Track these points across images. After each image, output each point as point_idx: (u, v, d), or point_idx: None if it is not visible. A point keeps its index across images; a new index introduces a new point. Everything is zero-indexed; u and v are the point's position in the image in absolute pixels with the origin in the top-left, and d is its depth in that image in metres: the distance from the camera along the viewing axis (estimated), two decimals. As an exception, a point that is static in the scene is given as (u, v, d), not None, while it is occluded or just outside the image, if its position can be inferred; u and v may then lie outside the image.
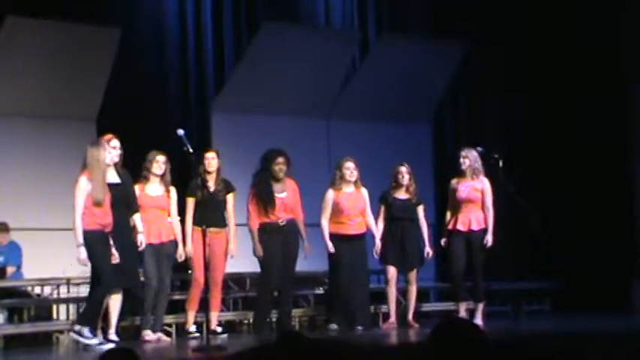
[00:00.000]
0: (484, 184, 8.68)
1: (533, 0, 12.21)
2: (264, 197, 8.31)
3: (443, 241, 8.79)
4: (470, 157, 8.68)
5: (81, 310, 7.73)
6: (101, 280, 7.21)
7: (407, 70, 11.64)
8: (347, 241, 8.55)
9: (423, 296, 10.73)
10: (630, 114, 11.75)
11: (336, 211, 8.58)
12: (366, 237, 8.72)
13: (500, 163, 8.55)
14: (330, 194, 8.63)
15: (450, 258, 8.77)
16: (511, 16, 12.21)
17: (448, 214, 8.81)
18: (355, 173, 8.66)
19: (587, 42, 11.85)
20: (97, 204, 7.18)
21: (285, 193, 8.39)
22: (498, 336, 7.05)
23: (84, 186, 7.16)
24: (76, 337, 7.26)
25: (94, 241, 7.14)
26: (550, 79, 12.21)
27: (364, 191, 8.73)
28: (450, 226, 8.72)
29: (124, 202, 7.56)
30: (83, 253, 7.12)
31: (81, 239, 7.12)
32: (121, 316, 7.75)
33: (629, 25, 11.70)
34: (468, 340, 3.30)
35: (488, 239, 8.60)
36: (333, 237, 8.58)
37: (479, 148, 8.73)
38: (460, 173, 8.74)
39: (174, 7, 11.72)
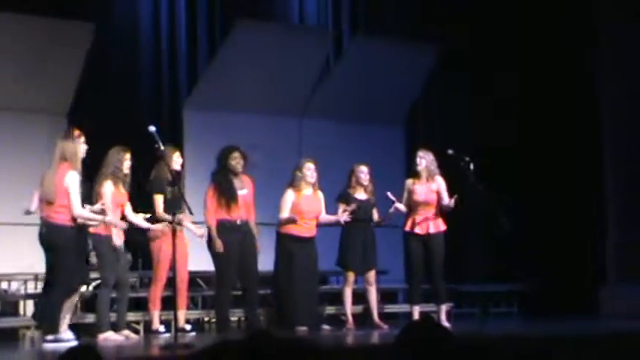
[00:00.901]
0: (439, 184, 8.71)
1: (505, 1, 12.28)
2: (226, 194, 8.29)
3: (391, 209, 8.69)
4: (426, 159, 8.70)
5: (42, 316, 7.53)
6: (60, 281, 7.10)
7: (381, 70, 11.66)
8: (300, 242, 8.53)
9: (391, 297, 10.76)
10: (603, 116, 11.84)
11: (294, 212, 8.54)
12: (315, 239, 8.72)
13: (472, 166, 8.56)
14: (290, 195, 8.59)
15: (408, 261, 8.77)
16: (486, 17, 12.27)
17: (404, 212, 8.72)
18: (315, 175, 8.63)
19: (561, 42, 11.93)
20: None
21: (245, 190, 8.38)
22: (465, 338, 7.07)
23: (77, 180, 7.12)
24: (55, 345, 7.08)
25: (68, 239, 7.07)
26: (522, 80, 12.28)
27: (320, 194, 8.74)
28: (407, 228, 8.68)
29: (86, 198, 7.51)
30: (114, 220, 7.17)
31: (101, 217, 7.05)
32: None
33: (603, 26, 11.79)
34: (434, 341, 3.31)
35: (450, 202, 8.50)
36: (287, 237, 8.55)
37: (450, 151, 8.74)
38: (415, 174, 8.74)
39: (148, 3, 11.67)
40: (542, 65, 12.10)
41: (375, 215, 8.90)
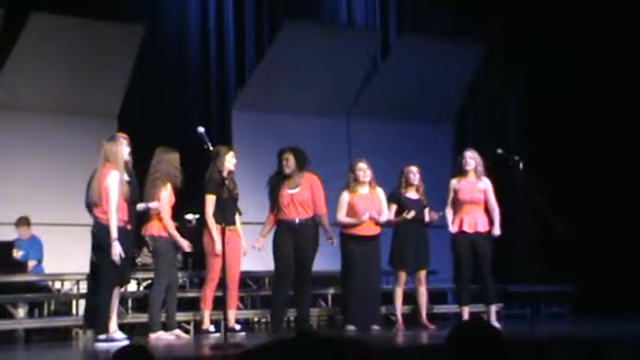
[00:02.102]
0: (486, 184, 8.64)
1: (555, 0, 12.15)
2: (272, 194, 8.32)
3: (427, 216, 8.66)
4: (475, 159, 8.63)
5: (91, 316, 7.60)
6: (107, 279, 7.15)
7: (428, 70, 11.62)
8: (361, 242, 8.50)
9: (440, 298, 10.70)
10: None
11: (351, 212, 8.52)
12: (380, 237, 8.66)
13: (521, 165, 8.47)
14: (345, 196, 8.58)
15: (457, 261, 8.69)
16: (533, 17, 12.16)
17: (449, 214, 8.68)
18: (369, 173, 8.59)
19: (611, 42, 11.78)
20: (125, 199, 7.20)
21: (298, 188, 8.32)
22: (516, 338, 7.01)
23: (119, 180, 7.14)
24: (107, 344, 7.15)
25: (118, 239, 7.14)
26: (574, 79, 12.14)
27: (380, 191, 8.66)
28: (455, 229, 8.61)
29: (133, 199, 7.55)
30: (118, 247, 7.09)
31: (116, 234, 7.08)
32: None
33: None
34: (485, 342, 3.28)
35: (497, 230, 8.50)
36: (348, 237, 8.54)
37: (499, 150, 8.66)
38: (462, 173, 8.66)
39: (196, 5, 11.78)
40: (593, 62, 11.95)
41: (427, 216, 8.85)
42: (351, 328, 8.41)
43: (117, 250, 7.08)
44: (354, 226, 8.50)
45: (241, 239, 8.25)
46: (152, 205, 7.66)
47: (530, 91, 12.44)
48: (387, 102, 11.66)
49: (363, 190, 8.59)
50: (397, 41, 12.38)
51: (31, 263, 9.45)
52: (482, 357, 3.25)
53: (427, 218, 8.82)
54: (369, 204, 8.53)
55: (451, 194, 8.66)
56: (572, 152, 12.07)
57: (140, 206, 7.59)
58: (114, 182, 7.11)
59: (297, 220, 8.26)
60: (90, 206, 7.38)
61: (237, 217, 8.17)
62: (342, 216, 8.54)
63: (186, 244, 7.84)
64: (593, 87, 11.91)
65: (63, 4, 10.12)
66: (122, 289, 7.87)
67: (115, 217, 7.07)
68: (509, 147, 9.04)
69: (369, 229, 8.53)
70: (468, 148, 8.92)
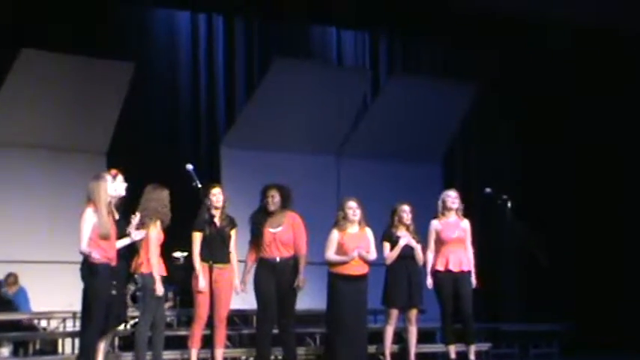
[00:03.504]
0: (467, 225, 8.69)
1: (546, 48, 12.25)
2: (255, 232, 8.29)
3: (429, 282, 8.69)
4: (459, 199, 8.71)
5: (79, 354, 7.55)
6: (92, 319, 7.10)
7: (418, 109, 11.66)
8: (350, 281, 8.44)
9: (429, 337, 10.65)
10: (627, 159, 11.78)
11: (340, 251, 8.48)
12: (367, 277, 8.62)
13: (509, 204, 8.50)
14: (335, 234, 8.55)
15: (440, 300, 8.68)
16: (524, 61, 12.26)
17: (431, 255, 8.70)
18: (358, 212, 8.55)
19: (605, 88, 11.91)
20: (104, 237, 7.15)
21: (281, 227, 8.29)
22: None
23: (89, 217, 7.12)
24: None
25: (103, 277, 7.07)
26: (568, 123, 12.22)
27: (368, 231, 8.62)
28: (440, 267, 8.60)
29: (122, 237, 7.51)
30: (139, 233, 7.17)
31: (90, 263, 7.05)
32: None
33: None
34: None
35: (474, 282, 8.54)
36: (336, 276, 8.49)
37: (487, 190, 8.69)
38: (443, 212, 8.68)
39: (186, 43, 11.82)
40: (589, 108, 12.05)
41: (419, 255, 8.84)
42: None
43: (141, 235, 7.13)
44: (343, 264, 8.46)
45: (234, 277, 8.19)
46: (136, 234, 7.57)
47: (521, 131, 12.50)
48: (376, 141, 11.68)
49: (353, 229, 8.56)
50: (387, 80, 12.43)
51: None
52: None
53: (420, 258, 8.79)
54: (358, 243, 8.51)
55: (433, 235, 8.66)
56: (564, 192, 12.12)
57: (122, 242, 7.49)
58: (83, 219, 7.10)
59: (277, 259, 8.23)
60: None
61: (232, 255, 8.13)
62: (330, 254, 8.51)
63: (159, 289, 7.72)
64: (589, 133, 12.00)
65: (53, 41, 10.15)
66: (118, 328, 7.80)
67: (87, 249, 7.02)
68: (499, 187, 9.05)
69: (357, 268, 8.49)
70: (450, 189, 8.95)
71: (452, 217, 8.66)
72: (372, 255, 8.56)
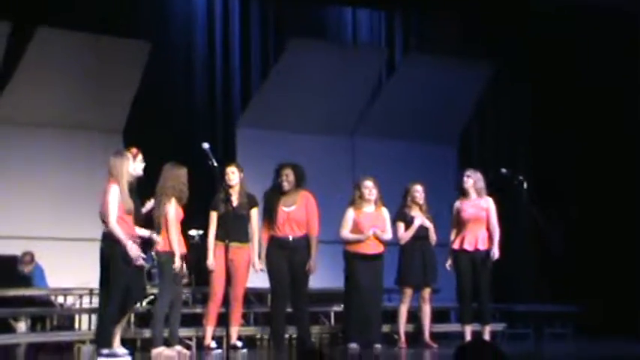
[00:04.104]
0: (489, 203, 8.66)
1: (562, 24, 12.17)
2: (267, 211, 8.30)
3: (448, 264, 8.71)
4: (473, 177, 8.68)
5: (97, 331, 7.61)
6: (115, 297, 7.14)
7: (433, 89, 11.63)
8: (365, 260, 8.49)
9: (443, 316, 10.69)
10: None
11: (355, 230, 8.52)
12: (383, 256, 8.65)
13: (525, 185, 8.49)
14: (350, 213, 8.59)
15: (458, 279, 8.70)
16: (540, 38, 12.19)
17: (452, 234, 8.72)
18: (374, 192, 8.59)
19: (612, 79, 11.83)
20: (129, 212, 7.19)
21: (294, 206, 8.30)
22: (518, 358, 6.99)
23: (116, 193, 7.15)
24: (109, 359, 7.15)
25: (124, 254, 7.11)
26: (583, 101, 12.14)
27: (384, 211, 8.66)
28: (455, 246, 8.64)
29: (138, 215, 7.55)
30: (134, 249, 7.07)
31: (126, 241, 7.06)
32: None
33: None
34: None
35: (495, 252, 8.50)
36: (351, 255, 8.53)
37: (503, 170, 8.67)
38: (464, 194, 8.71)
39: (202, 22, 11.83)
40: (602, 92, 11.96)
41: (433, 235, 8.87)
42: (353, 346, 8.39)
43: (134, 252, 7.05)
44: (358, 243, 8.49)
45: (251, 256, 8.22)
46: (148, 205, 7.65)
47: (537, 111, 12.45)
48: (392, 120, 11.67)
49: (369, 208, 8.60)
50: (403, 59, 12.41)
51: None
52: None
53: (433, 238, 8.83)
54: (373, 222, 8.53)
55: (454, 214, 8.69)
56: (579, 171, 12.07)
57: (140, 231, 7.52)
58: (113, 196, 7.13)
59: (290, 238, 8.25)
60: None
61: (253, 233, 8.16)
62: (346, 232, 8.55)
63: (177, 265, 7.77)
64: (604, 109, 11.93)
65: (70, 20, 10.17)
66: (136, 305, 7.85)
67: (117, 227, 7.05)
68: (515, 167, 9.05)
69: (373, 247, 8.52)
70: (467, 168, 8.96)
71: (472, 196, 8.66)
72: (388, 235, 8.59)
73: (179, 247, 7.81)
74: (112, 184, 7.17)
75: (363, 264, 8.46)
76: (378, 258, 8.55)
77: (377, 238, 8.49)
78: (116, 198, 7.10)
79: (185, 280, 8.11)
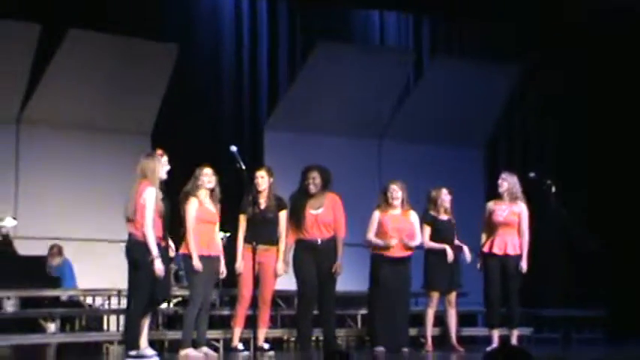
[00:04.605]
0: (522, 208, 8.58)
1: (592, 24, 12.09)
2: (294, 214, 8.30)
3: (478, 265, 8.68)
4: (508, 181, 8.61)
5: (125, 332, 7.64)
6: (140, 298, 7.15)
7: (461, 92, 11.60)
8: (390, 263, 8.46)
9: (470, 320, 10.64)
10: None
11: (380, 232, 8.50)
12: (410, 260, 8.62)
13: (553, 189, 8.44)
14: (376, 214, 8.57)
15: (486, 282, 8.66)
16: (570, 40, 12.12)
17: (483, 237, 8.68)
18: (399, 195, 8.54)
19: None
20: (161, 215, 7.20)
21: (322, 209, 8.29)
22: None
23: (153, 196, 7.13)
24: None
25: (147, 256, 7.12)
26: (612, 104, 12.04)
27: (412, 214, 8.62)
28: (485, 249, 8.60)
29: (167, 216, 7.56)
30: (158, 263, 7.06)
31: (156, 250, 7.07)
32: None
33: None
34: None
35: (523, 266, 8.47)
36: (378, 258, 8.52)
37: (531, 174, 8.63)
38: (498, 196, 8.66)
39: (230, 26, 11.87)
40: (625, 85, 11.88)
41: (467, 255, 8.84)
42: (379, 349, 8.37)
43: (158, 266, 7.05)
44: (383, 248, 8.48)
45: (277, 259, 8.22)
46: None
47: (566, 116, 12.37)
48: (419, 124, 11.65)
49: (395, 211, 8.58)
50: (430, 62, 12.38)
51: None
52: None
53: (467, 258, 8.79)
54: (399, 225, 8.51)
55: (486, 215, 8.64)
56: (609, 175, 11.98)
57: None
58: (150, 198, 7.11)
59: (319, 241, 8.24)
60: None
61: (280, 236, 8.17)
62: (371, 235, 8.52)
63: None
64: (635, 111, 11.84)
65: (100, 22, 10.25)
66: (161, 306, 7.88)
67: (152, 234, 7.05)
68: (543, 171, 8.99)
69: (399, 251, 8.51)
70: (504, 171, 8.88)
71: (505, 200, 8.60)
72: (416, 240, 8.54)
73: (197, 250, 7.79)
74: (148, 187, 7.15)
75: (390, 268, 8.44)
76: (404, 261, 8.52)
77: (403, 245, 8.46)
78: (153, 201, 7.09)
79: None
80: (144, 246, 7.06)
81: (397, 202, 8.52)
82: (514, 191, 8.56)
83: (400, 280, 8.46)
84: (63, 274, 9.55)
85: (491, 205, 8.66)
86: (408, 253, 8.53)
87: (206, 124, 11.33)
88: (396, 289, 8.42)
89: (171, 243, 7.66)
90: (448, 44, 12.75)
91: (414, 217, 8.58)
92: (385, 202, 8.55)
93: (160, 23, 10.98)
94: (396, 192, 8.53)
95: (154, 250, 6.99)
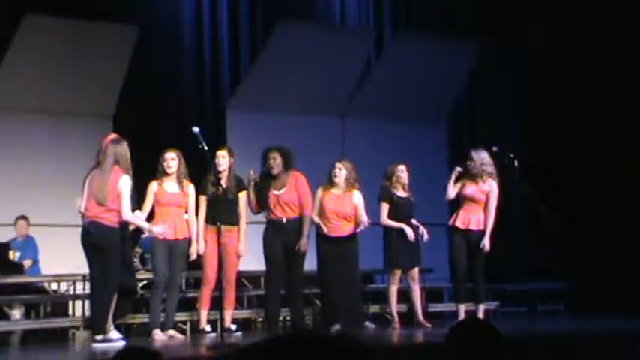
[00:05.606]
0: (492, 187, 8.59)
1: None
2: (258, 195, 8.31)
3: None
4: (476, 159, 8.60)
5: (91, 317, 7.63)
6: (109, 282, 7.16)
7: (423, 69, 11.62)
8: (334, 242, 8.41)
9: (437, 296, 10.72)
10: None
11: (320, 211, 8.47)
12: (355, 237, 8.52)
13: (516, 163, 8.48)
14: (319, 193, 8.48)
15: (451, 258, 8.71)
16: (531, 14, 12.15)
17: (451, 186, 8.65)
18: (343, 174, 8.46)
19: (611, 41, 11.77)
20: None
21: (284, 189, 8.28)
22: (511, 336, 7.02)
23: (130, 184, 7.22)
24: (104, 345, 7.15)
25: (117, 241, 7.14)
26: (576, 78, 12.09)
27: (356, 194, 8.46)
28: (450, 222, 8.65)
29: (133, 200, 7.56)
30: (157, 228, 7.32)
31: (146, 224, 7.43)
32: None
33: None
34: (484, 340, 3.30)
35: (486, 243, 8.51)
36: (322, 237, 8.47)
37: (494, 148, 8.67)
38: (469, 176, 8.67)
39: (190, 6, 11.76)
40: (593, 62, 11.92)
41: (425, 235, 8.81)
42: (336, 327, 8.34)
43: (158, 230, 7.32)
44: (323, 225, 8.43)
45: (239, 240, 8.21)
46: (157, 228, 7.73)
47: (528, 90, 12.42)
48: (382, 101, 11.66)
49: (337, 190, 8.50)
50: (392, 39, 12.38)
51: (27, 262, 9.44)
52: (480, 356, 3.27)
53: (425, 237, 8.78)
54: (337, 208, 8.42)
55: (458, 186, 8.57)
56: (573, 149, 12.05)
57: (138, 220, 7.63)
58: (127, 187, 7.16)
59: (284, 220, 8.25)
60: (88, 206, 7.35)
61: (240, 217, 8.17)
62: (314, 215, 8.45)
63: (146, 228, 7.82)
64: (594, 85, 11.90)
65: (57, 6, 10.11)
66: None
67: (134, 216, 7.31)
68: (505, 146, 9.03)
69: (339, 230, 8.44)
70: (472, 148, 8.87)
71: (475, 176, 8.58)
72: (362, 222, 8.37)
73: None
74: (124, 175, 7.18)
75: (333, 246, 8.39)
76: (348, 240, 8.44)
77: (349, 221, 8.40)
78: (129, 189, 7.16)
79: (184, 266, 8.15)
80: (111, 231, 7.07)
81: (338, 180, 8.44)
82: (483, 169, 8.56)
83: (344, 259, 8.38)
84: (26, 249, 9.45)
85: (463, 180, 8.63)
86: (349, 231, 8.44)
87: (168, 105, 11.24)
88: (342, 267, 8.37)
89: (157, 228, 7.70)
90: (409, 21, 12.73)
91: (357, 197, 8.45)
92: (329, 181, 8.51)
93: (120, 5, 10.85)
94: (339, 170, 8.46)
95: (145, 225, 7.43)
